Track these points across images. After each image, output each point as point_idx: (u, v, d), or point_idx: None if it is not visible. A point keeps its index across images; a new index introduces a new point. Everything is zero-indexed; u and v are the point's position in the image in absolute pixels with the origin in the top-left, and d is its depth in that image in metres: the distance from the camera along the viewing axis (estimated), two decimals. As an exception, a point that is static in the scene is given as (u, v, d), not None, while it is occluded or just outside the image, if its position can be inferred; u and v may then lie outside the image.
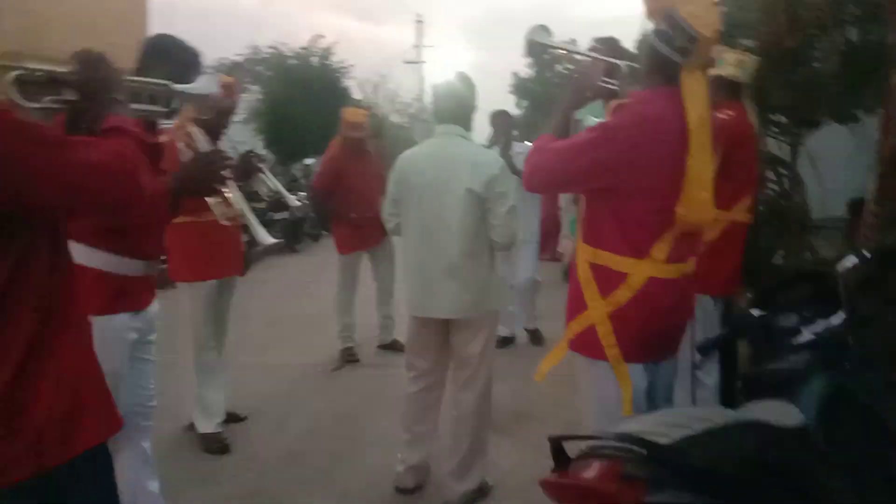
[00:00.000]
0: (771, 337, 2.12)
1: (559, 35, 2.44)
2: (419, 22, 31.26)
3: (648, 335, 1.98)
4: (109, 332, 2.15)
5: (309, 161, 15.23)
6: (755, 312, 2.17)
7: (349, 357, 5.13)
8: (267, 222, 10.87)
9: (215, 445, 3.62)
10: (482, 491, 3.08)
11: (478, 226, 2.84)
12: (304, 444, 3.72)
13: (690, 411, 1.70)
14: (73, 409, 1.49)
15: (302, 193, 11.80)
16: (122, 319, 2.27)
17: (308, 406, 4.27)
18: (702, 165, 1.88)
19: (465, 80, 3.01)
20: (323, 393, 4.53)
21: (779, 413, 1.61)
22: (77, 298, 1.57)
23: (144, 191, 1.55)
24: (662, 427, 1.41)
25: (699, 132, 1.87)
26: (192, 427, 3.74)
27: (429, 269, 2.91)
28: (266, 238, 2.72)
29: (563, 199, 7.95)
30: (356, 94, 20.40)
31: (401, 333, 5.27)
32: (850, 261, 2.08)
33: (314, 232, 11.80)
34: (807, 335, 1.99)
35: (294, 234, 10.96)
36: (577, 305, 2.05)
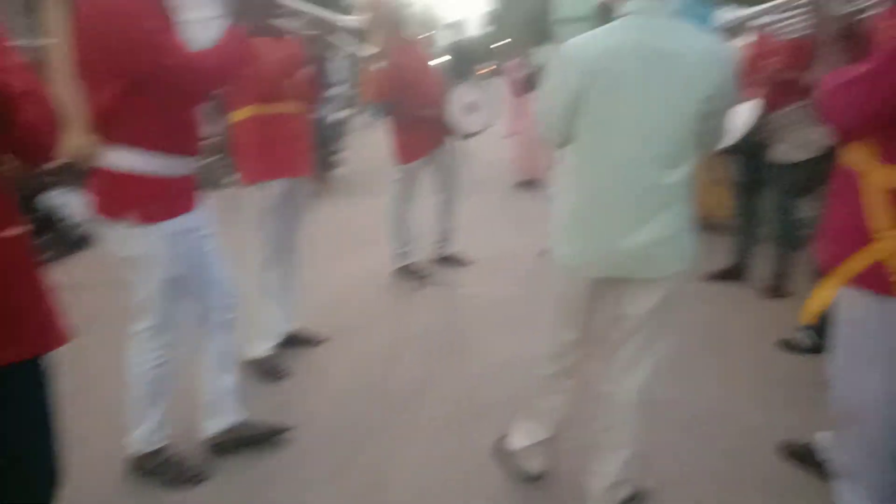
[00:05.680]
0: None
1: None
2: None
3: None
4: (173, 235, 2.20)
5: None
6: None
7: (417, 272, 4.54)
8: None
9: (271, 370, 3.19)
10: (638, 499, 2.23)
11: (693, 147, 1.90)
12: (382, 371, 3.26)
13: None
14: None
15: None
16: (181, 222, 2.24)
17: (382, 329, 3.77)
18: None
19: None
20: (397, 315, 3.99)
21: None
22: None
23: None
24: None
25: None
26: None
27: (621, 209, 1.91)
28: None
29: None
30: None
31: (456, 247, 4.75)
32: None
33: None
34: None
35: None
36: (855, 237, 1.78)
